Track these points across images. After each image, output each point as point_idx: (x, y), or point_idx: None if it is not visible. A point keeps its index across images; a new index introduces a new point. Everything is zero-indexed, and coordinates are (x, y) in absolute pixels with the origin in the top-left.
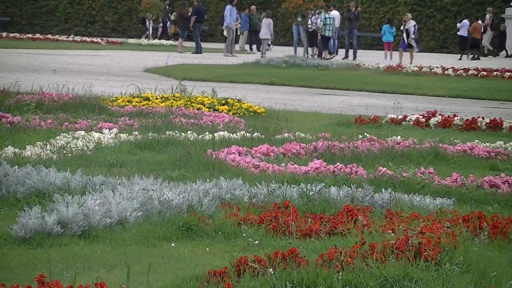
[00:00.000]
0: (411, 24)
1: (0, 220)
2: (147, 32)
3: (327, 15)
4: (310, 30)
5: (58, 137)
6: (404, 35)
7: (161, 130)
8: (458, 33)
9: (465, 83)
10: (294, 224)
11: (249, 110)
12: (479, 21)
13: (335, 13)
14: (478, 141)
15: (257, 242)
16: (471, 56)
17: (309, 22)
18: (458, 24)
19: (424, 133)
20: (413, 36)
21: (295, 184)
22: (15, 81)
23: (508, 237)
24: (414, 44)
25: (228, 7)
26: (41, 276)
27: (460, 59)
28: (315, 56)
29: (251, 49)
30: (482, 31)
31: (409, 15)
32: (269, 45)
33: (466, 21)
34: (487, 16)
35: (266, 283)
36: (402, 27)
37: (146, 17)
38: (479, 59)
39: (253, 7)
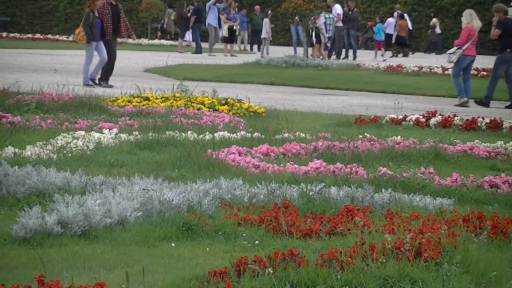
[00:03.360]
0: (321, 21)
1: (0, 220)
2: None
3: (327, 15)
4: (314, 29)
5: (58, 137)
6: (313, 33)
7: (161, 130)
8: (386, 31)
9: None
10: (291, 223)
11: (249, 110)
12: (406, 19)
13: (337, 7)
14: (478, 141)
15: (257, 242)
16: (398, 54)
17: (310, 21)
18: (385, 23)
19: (424, 133)
20: (327, 35)
21: (295, 184)
22: (15, 81)
23: (508, 237)
24: (325, 42)
25: (209, 3)
26: (41, 276)
27: (396, 56)
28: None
29: (251, 49)
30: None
31: (320, 13)
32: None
33: (391, 19)
34: (395, 14)
35: (266, 283)
36: (311, 24)
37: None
38: (406, 56)
39: (257, 7)
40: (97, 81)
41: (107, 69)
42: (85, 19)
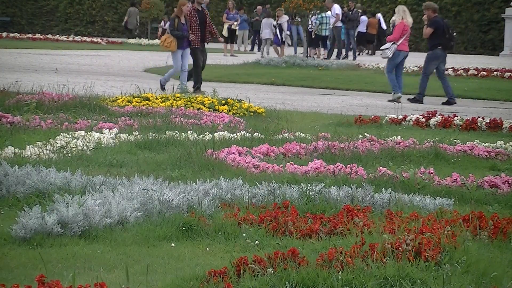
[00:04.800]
0: (284, 19)
1: (0, 220)
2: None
3: (323, 14)
4: (310, 30)
5: (58, 137)
6: (277, 30)
7: (161, 130)
8: (358, 29)
9: (465, 83)
10: (292, 223)
11: (249, 110)
12: (378, 16)
13: (336, 7)
14: (478, 141)
15: (257, 242)
16: (366, 51)
17: (309, 22)
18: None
19: (424, 133)
20: (287, 33)
21: (295, 184)
22: (15, 81)
23: (508, 237)
24: (285, 40)
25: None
26: (41, 276)
27: (359, 54)
28: (318, 57)
29: (252, 49)
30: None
31: (283, 10)
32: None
33: (364, 17)
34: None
35: (266, 283)
36: (275, 22)
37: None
38: (373, 54)
39: (259, 7)
40: (164, 87)
41: (197, 78)
42: (171, 24)
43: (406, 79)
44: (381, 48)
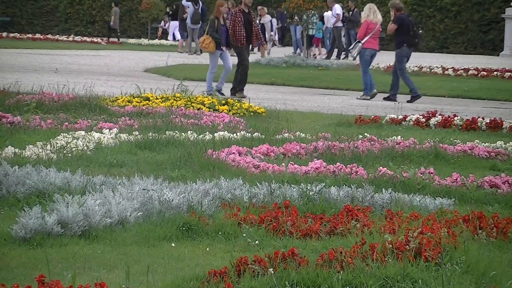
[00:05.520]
0: (267, 19)
1: (0, 220)
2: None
3: (309, 14)
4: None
5: (58, 137)
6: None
7: (161, 130)
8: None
9: (465, 83)
10: (292, 223)
11: (249, 110)
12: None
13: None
14: (478, 141)
15: (257, 242)
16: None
17: (309, 22)
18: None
19: (424, 133)
20: (272, 33)
21: (295, 184)
22: (15, 81)
23: (508, 237)
24: (268, 40)
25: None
26: (41, 276)
27: (307, 56)
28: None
29: (252, 49)
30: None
31: (265, 9)
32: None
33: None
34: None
35: (266, 283)
36: (257, 21)
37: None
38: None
39: (259, 7)
40: (222, 91)
41: (241, 79)
42: (210, 26)
43: None
44: (349, 48)
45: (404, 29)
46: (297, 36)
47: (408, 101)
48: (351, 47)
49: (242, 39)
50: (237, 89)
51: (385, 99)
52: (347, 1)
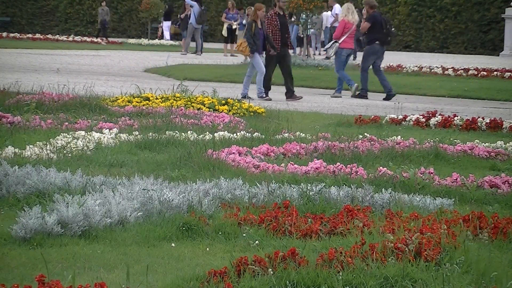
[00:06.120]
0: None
1: (0, 220)
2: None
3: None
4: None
5: (58, 137)
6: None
7: (161, 130)
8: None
9: (465, 83)
10: (292, 223)
11: (249, 110)
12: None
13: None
14: (478, 141)
15: (257, 242)
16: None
17: (309, 21)
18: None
19: (424, 133)
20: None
21: (295, 184)
22: (15, 81)
23: (508, 237)
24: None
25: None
26: (41, 276)
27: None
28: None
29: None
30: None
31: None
32: None
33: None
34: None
35: (266, 283)
36: (235, 22)
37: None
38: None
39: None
40: (248, 95)
41: (266, 82)
42: (247, 29)
43: (406, 79)
44: (325, 48)
45: (377, 27)
46: (291, 37)
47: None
48: (327, 46)
49: (277, 44)
50: (266, 92)
51: (384, 99)
52: (347, 1)
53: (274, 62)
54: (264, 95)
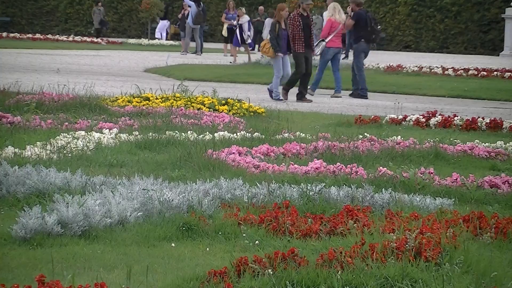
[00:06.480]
0: (245, 20)
1: (0, 220)
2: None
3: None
4: (238, 27)
5: (58, 137)
6: (238, 31)
7: (161, 130)
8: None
9: (465, 83)
10: (292, 223)
11: (249, 110)
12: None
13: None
14: (478, 141)
15: (257, 242)
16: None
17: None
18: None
19: (424, 133)
20: (249, 33)
21: (295, 184)
22: (15, 81)
23: (508, 237)
24: (249, 41)
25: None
26: (41, 276)
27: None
28: None
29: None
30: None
31: (243, 9)
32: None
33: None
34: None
35: (266, 283)
36: (235, 22)
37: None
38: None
39: (261, 7)
40: (279, 96)
41: (291, 80)
42: (271, 30)
43: (406, 79)
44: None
45: (362, 24)
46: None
47: (350, 95)
48: (314, 44)
49: (300, 45)
50: (288, 91)
51: (352, 95)
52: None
53: (302, 60)
54: (281, 97)
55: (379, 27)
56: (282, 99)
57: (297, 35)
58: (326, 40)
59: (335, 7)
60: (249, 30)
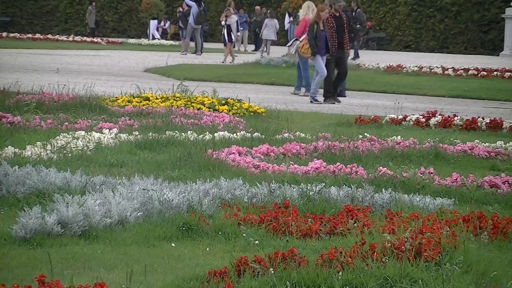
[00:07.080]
0: (234, 20)
1: (0, 220)
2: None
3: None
4: (226, 27)
5: (58, 137)
6: (225, 30)
7: (161, 130)
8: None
9: (465, 83)
10: (292, 223)
11: (249, 110)
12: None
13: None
14: (478, 141)
15: (257, 242)
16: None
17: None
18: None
19: (424, 133)
20: (238, 34)
21: (295, 184)
22: (15, 81)
23: (508, 237)
24: (235, 41)
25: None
26: (41, 276)
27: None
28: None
29: (255, 49)
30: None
31: (231, 10)
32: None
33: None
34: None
35: (266, 283)
36: (223, 22)
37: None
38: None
39: (257, 7)
40: (317, 98)
41: (337, 84)
42: (309, 30)
43: (406, 79)
44: (287, 45)
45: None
46: (290, 37)
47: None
48: (289, 44)
49: (333, 46)
50: (326, 96)
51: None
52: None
53: (333, 64)
54: (317, 98)
55: (358, 26)
56: (318, 101)
57: (330, 36)
58: (300, 39)
59: (309, 6)
60: (237, 30)
